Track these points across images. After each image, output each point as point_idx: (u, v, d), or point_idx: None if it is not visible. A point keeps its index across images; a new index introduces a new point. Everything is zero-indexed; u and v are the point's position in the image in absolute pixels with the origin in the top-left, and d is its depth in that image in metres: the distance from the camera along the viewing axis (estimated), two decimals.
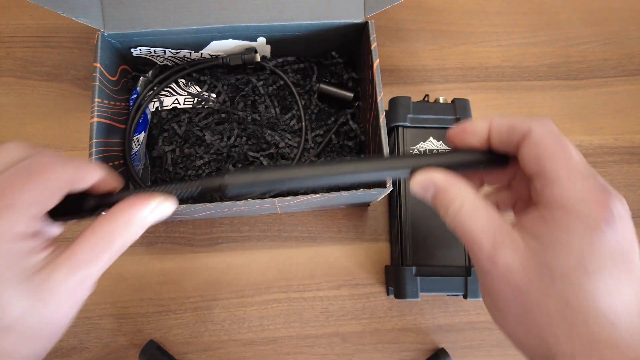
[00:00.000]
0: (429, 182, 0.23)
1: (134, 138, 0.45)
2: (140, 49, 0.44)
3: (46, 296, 0.21)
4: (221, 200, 0.44)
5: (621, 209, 0.21)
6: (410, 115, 0.45)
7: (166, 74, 0.47)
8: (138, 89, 0.46)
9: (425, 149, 0.44)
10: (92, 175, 0.24)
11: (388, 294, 0.45)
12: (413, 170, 0.24)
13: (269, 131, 0.46)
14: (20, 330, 0.20)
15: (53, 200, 0.22)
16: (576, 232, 0.20)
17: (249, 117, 0.46)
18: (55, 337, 0.22)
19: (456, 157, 0.24)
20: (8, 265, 0.20)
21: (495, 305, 0.22)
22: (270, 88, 0.47)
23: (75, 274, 0.21)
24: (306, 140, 0.46)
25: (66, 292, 0.21)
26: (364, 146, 0.47)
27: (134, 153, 0.45)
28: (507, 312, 0.22)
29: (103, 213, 0.24)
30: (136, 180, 0.43)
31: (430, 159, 0.24)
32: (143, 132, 0.45)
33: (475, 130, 0.24)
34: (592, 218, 0.20)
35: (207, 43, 0.44)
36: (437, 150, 0.44)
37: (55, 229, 0.25)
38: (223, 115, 0.47)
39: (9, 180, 0.21)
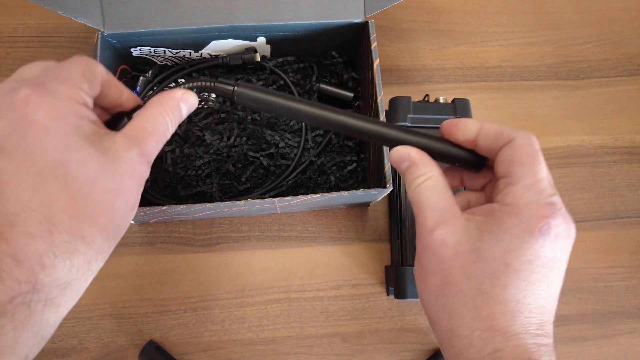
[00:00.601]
0: (406, 155, 0.26)
1: None
2: (140, 49, 0.44)
3: (115, 162, 0.21)
4: (220, 200, 0.44)
5: (563, 228, 0.23)
6: (411, 115, 0.44)
7: (166, 74, 0.47)
8: (138, 88, 0.46)
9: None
10: (118, 91, 0.26)
11: (388, 294, 0.45)
12: (396, 143, 0.27)
13: (268, 131, 0.45)
14: (98, 192, 0.21)
15: (96, 87, 0.24)
16: (512, 230, 0.22)
17: (249, 117, 0.46)
18: (124, 221, 0.23)
19: (438, 144, 0.27)
20: (77, 126, 0.21)
21: (421, 275, 0.25)
22: (270, 88, 0.47)
23: (135, 146, 0.22)
24: (306, 140, 0.46)
25: (130, 162, 0.22)
26: (364, 146, 0.47)
27: None
28: (429, 282, 0.24)
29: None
30: None
31: (417, 138, 0.27)
32: None
33: (466, 128, 0.26)
34: (530, 224, 0.22)
35: (207, 43, 0.44)
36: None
37: None
38: (223, 115, 0.47)
39: (56, 66, 0.22)
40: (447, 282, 0.23)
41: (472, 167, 0.27)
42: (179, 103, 0.25)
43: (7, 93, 0.20)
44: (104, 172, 0.21)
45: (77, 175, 0.20)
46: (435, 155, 0.27)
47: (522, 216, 0.22)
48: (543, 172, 0.24)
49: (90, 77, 0.23)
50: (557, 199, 0.24)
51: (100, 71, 0.24)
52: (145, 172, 0.23)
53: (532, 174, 0.23)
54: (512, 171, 0.24)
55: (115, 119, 0.26)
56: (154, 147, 0.24)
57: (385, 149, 0.37)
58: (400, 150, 0.26)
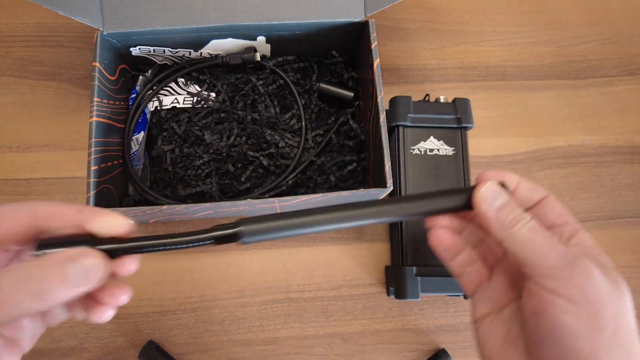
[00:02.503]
0: (497, 193, 0.25)
1: (133, 137, 0.45)
2: (139, 48, 0.43)
3: None
4: (220, 200, 0.44)
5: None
6: (411, 115, 0.44)
7: (165, 73, 0.47)
8: (137, 88, 0.46)
9: (426, 149, 0.44)
10: (65, 212, 0.22)
11: (388, 294, 0.45)
12: (428, 214, 0.26)
13: (268, 131, 0.45)
14: None
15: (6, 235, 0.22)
16: (610, 265, 0.23)
17: (249, 117, 0.46)
18: None
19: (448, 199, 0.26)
20: None
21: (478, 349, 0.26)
22: (270, 87, 0.47)
23: None
24: (306, 139, 0.46)
25: None
26: (364, 146, 0.46)
27: (133, 153, 0.44)
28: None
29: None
30: (135, 180, 0.43)
31: (437, 204, 0.25)
32: (142, 132, 0.45)
33: (511, 181, 0.26)
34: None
35: (207, 42, 0.44)
36: (438, 149, 0.44)
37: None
38: (223, 115, 0.47)
39: None
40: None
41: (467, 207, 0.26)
42: (64, 263, 0.20)
43: None
44: None
45: None
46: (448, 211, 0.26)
47: (604, 257, 0.23)
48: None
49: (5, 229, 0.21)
50: None
51: (19, 210, 0.22)
52: None
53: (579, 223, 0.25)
54: (569, 220, 0.25)
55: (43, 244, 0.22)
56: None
57: (386, 147, 0.37)
58: (492, 186, 0.25)
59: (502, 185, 0.25)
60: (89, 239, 0.22)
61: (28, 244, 0.22)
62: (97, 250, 0.22)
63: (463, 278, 0.28)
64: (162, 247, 0.23)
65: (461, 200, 0.25)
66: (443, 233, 0.28)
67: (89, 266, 0.21)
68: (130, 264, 0.24)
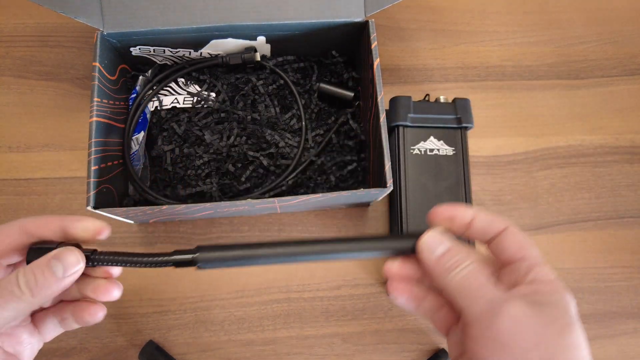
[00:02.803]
0: (439, 239, 0.25)
1: (133, 137, 0.45)
2: (139, 48, 0.43)
3: None
4: (220, 200, 0.44)
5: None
6: (411, 115, 0.44)
7: (165, 73, 0.47)
8: (137, 88, 0.46)
9: (426, 149, 0.44)
10: (50, 223, 0.26)
11: (388, 294, 0.45)
12: (379, 253, 0.27)
13: (268, 130, 0.45)
14: None
15: (7, 248, 0.25)
16: (562, 302, 0.22)
17: (249, 117, 0.46)
18: None
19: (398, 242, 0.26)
20: None
21: None
22: (270, 87, 0.47)
23: None
24: (306, 139, 0.46)
25: None
26: (364, 146, 0.46)
27: (134, 152, 0.44)
28: None
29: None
30: (135, 180, 0.43)
31: (399, 243, 0.26)
32: (142, 132, 0.45)
33: (464, 216, 0.26)
34: (566, 299, 0.22)
35: (207, 42, 0.44)
36: (438, 149, 0.44)
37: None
38: (223, 115, 0.47)
39: None
40: None
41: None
42: (50, 261, 0.24)
43: None
44: None
45: None
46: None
47: (560, 292, 0.22)
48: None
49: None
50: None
51: (10, 225, 0.25)
52: None
53: (539, 255, 0.24)
54: (528, 253, 0.24)
55: (32, 251, 0.26)
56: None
57: (386, 147, 0.37)
58: (433, 235, 0.25)
59: (465, 219, 0.25)
60: (74, 245, 0.26)
61: (22, 256, 0.26)
62: (74, 247, 0.25)
63: (433, 323, 0.27)
64: (128, 264, 0.26)
65: (408, 246, 0.26)
66: (398, 284, 0.27)
67: (70, 261, 0.25)
68: (113, 268, 0.28)
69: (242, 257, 0.26)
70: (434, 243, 0.25)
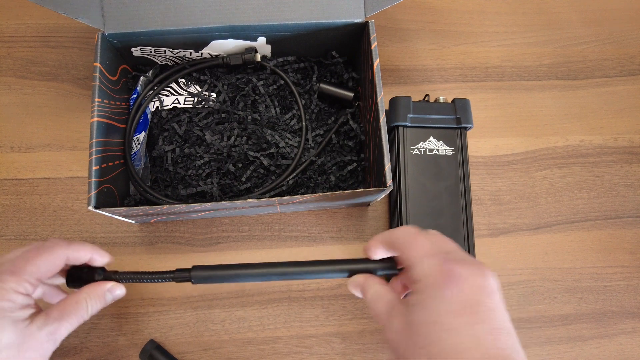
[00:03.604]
0: (356, 283, 0.33)
1: (134, 138, 0.45)
2: (140, 49, 0.44)
3: (24, 337, 0.29)
4: (221, 199, 0.44)
5: (464, 272, 0.27)
6: (411, 115, 0.45)
7: (166, 74, 0.47)
8: (138, 88, 0.46)
9: (426, 149, 0.44)
10: (85, 254, 0.34)
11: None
12: (350, 273, 0.33)
13: (269, 131, 0.46)
14: (4, 355, 0.28)
15: (50, 272, 0.32)
16: (428, 295, 0.26)
17: (249, 117, 0.46)
18: None
19: (371, 265, 0.33)
20: (5, 313, 0.29)
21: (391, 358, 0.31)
22: (271, 88, 0.47)
23: (48, 326, 0.30)
24: (306, 139, 0.46)
25: (38, 339, 0.30)
26: (364, 146, 0.47)
27: (134, 153, 0.45)
28: None
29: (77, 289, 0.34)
30: (136, 180, 0.43)
31: (355, 266, 0.33)
32: (143, 132, 0.45)
33: (376, 250, 0.32)
34: (437, 283, 0.26)
35: (207, 43, 0.44)
36: (437, 149, 0.44)
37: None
38: (223, 115, 0.47)
39: (23, 254, 0.31)
40: None
41: (391, 270, 0.33)
42: (105, 293, 0.34)
43: None
44: (10, 344, 0.28)
45: None
46: (375, 271, 0.33)
47: (429, 283, 0.27)
48: (424, 243, 0.29)
49: (46, 264, 0.31)
50: (450, 255, 0.28)
51: (58, 255, 0.32)
52: (49, 348, 0.30)
53: (417, 252, 0.28)
54: (403, 258, 0.29)
55: (71, 273, 0.35)
56: (67, 328, 0.31)
57: (386, 147, 0.37)
58: (352, 280, 0.33)
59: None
60: (100, 270, 0.35)
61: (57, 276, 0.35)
62: (120, 283, 0.35)
63: None
64: (140, 280, 0.35)
65: (363, 269, 0.33)
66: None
67: (118, 293, 0.35)
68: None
69: (226, 276, 0.34)
70: (355, 279, 0.33)
